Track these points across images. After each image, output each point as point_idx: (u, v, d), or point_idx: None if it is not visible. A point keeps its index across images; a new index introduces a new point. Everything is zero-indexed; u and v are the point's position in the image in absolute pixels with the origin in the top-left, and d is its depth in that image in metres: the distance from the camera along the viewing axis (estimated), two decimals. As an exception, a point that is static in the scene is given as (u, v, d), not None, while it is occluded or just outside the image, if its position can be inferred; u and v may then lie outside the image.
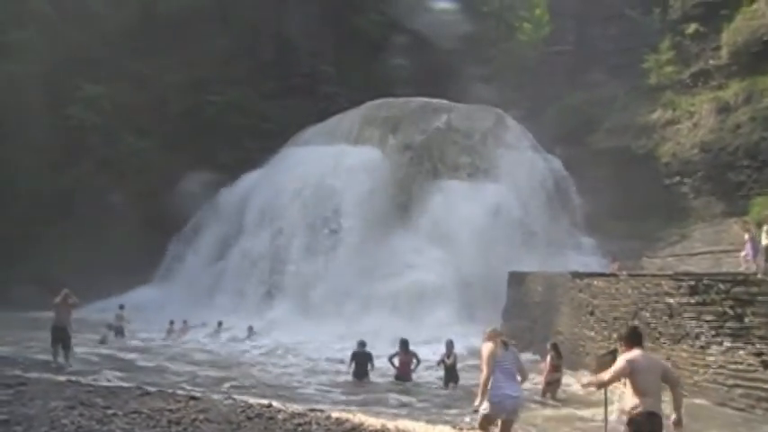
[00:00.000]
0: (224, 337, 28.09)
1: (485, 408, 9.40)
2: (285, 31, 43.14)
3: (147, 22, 41.67)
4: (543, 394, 16.77)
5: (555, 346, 17.72)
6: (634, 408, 7.92)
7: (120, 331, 28.09)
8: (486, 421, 9.57)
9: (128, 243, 35.27)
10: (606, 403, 10.21)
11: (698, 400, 14.86)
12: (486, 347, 9.55)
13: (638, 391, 7.95)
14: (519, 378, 9.76)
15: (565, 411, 15.09)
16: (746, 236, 25.22)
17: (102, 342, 25.72)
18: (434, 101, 39.06)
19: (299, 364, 22.13)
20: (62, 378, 14.59)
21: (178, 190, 36.49)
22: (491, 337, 9.73)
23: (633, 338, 8.42)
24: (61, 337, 18.77)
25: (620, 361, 8.19)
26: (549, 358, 17.39)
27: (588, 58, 38.20)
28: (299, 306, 32.12)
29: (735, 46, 33.29)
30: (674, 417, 8.05)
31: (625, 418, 8.12)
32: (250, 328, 28.28)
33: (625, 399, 8.23)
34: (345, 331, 25.86)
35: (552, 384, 16.99)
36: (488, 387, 9.35)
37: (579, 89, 38.08)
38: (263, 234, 35.54)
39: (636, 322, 9.25)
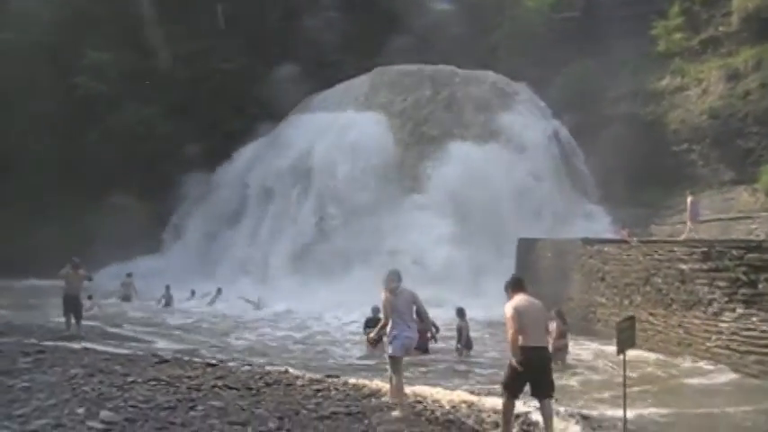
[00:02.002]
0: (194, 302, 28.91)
1: (389, 350, 10.56)
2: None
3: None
4: (554, 360, 16.72)
5: (560, 313, 17.42)
6: (522, 343, 9.01)
7: (126, 298, 28.71)
8: (393, 361, 10.57)
9: (132, 212, 35.26)
10: (625, 368, 10.27)
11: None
12: (383, 296, 10.59)
13: (523, 329, 9.04)
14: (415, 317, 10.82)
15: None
16: (689, 199, 25.55)
17: (126, 299, 28.52)
18: (442, 67, 38.84)
19: (305, 331, 22.33)
20: (78, 346, 14.67)
21: (184, 158, 36.48)
22: (387, 284, 10.60)
23: (516, 286, 9.62)
24: (73, 306, 18.87)
25: (508, 308, 9.29)
26: (555, 325, 17.18)
27: (596, 25, 37.69)
28: (303, 275, 32.25)
29: (745, 12, 32.91)
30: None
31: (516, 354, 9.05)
32: (218, 290, 28.67)
33: (510, 337, 9.19)
34: (352, 298, 25.61)
35: (561, 351, 16.95)
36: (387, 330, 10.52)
37: (587, 56, 37.70)
38: (266, 203, 35.55)
39: (518, 275, 10.12)
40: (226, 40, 40.48)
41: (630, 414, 10.28)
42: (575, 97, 36.31)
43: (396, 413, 9.94)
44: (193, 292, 29.85)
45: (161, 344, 18.22)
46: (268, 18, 43.18)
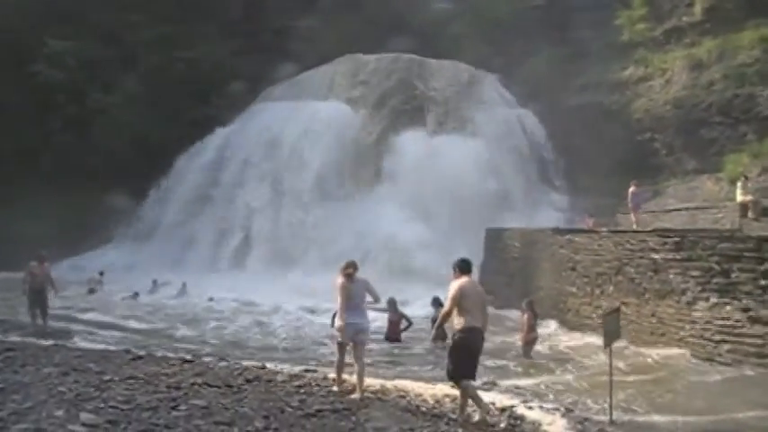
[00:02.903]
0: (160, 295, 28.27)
1: (337, 335, 10.97)
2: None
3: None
4: (526, 355, 16.67)
5: (530, 305, 17.33)
6: (461, 323, 9.57)
7: (92, 291, 28.38)
8: (340, 345, 10.98)
9: (95, 202, 34.63)
10: (611, 360, 10.24)
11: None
12: (338, 281, 10.93)
13: (464, 310, 9.59)
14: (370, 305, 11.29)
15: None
16: (630, 189, 25.95)
17: (92, 292, 27.95)
18: (406, 56, 38.68)
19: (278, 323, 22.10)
20: (47, 342, 14.29)
21: (147, 148, 35.90)
22: (342, 270, 11.00)
23: (464, 268, 10.03)
24: (39, 301, 18.46)
25: (454, 286, 9.78)
26: (526, 317, 17.06)
27: (561, 14, 37.92)
28: (270, 264, 32.04)
29: (708, 3, 33.13)
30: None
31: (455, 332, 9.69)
32: (183, 285, 28.32)
33: (453, 318, 9.77)
34: (317, 290, 25.35)
35: (531, 343, 16.89)
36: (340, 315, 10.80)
37: (553, 45, 37.86)
38: (233, 192, 35.15)
39: (466, 256, 10.29)
40: (189, 28, 39.80)
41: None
42: (540, 86, 36.44)
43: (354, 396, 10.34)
44: (155, 282, 29.41)
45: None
46: (232, 7, 42.63)
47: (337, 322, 10.88)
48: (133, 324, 20.92)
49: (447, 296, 9.91)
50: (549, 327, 19.80)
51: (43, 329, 17.75)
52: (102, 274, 29.83)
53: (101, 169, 35.47)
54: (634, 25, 36.10)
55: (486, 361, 15.87)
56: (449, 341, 10.12)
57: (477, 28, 41.39)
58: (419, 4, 43.99)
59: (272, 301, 25.76)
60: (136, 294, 27.56)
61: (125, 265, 33.29)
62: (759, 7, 30.67)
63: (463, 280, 9.87)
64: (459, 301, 9.63)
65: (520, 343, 16.99)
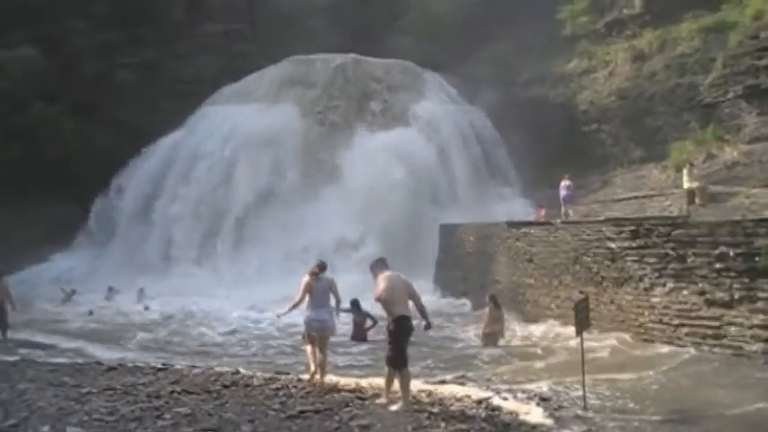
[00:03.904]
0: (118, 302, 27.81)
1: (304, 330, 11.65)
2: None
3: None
4: (484, 345, 17.20)
5: (493, 298, 18.09)
6: (393, 314, 10.14)
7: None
8: (308, 338, 11.59)
9: (43, 212, 34.02)
10: (582, 348, 10.50)
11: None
12: (304, 279, 11.50)
13: (392, 301, 10.17)
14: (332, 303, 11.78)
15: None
16: (562, 183, 26.72)
17: (66, 300, 27.65)
18: (350, 56, 38.77)
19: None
20: (13, 358, 14.06)
21: (93, 156, 35.34)
22: (310, 270, 11.59)
23: (381, 265, 10.74)
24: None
25: (380, 279, 10.38)
26: (487, 310, 17.87)
27: (504, 10, 38.38)
28: (220, 270, 32.00)
29: (648, -5, 34.07)
30: (424, 322, 10.45)
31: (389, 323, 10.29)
32: (140, 290, 28.08)
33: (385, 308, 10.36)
34: (270, 295, 25.28)
35: (493, 335, 17.36)
36: (301, 309, 11.54)
37: (497, 41, 38.37)
38: (185, 197, 34.83)
39: (382, 257, 11.35)
40: (131, 33, 39.24)
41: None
42: (486, 81, 36.83)
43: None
44: (111, 289, 28.99)
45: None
46: (173, 10, 42.16)
47: (305, 316, 11.47)
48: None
49: (375, 290, 10.40)
50: (507, 319, 20.06)
51: (4, 344, 17.46)
52: (74, 292, 29.00)
53: (47, 180, 34.71)
54: (576, 19, 36.84)
55: (451, 354, 16.33)
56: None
57: (421, 26, 41.68)
58: (363, 2, 44.04)
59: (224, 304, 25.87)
60: (73, 291, 27.77)
61: (82, 273, 32.69)
62: (696, -1, 31.64)
63: (386, 274, 10.50)
64: (387, 292, 10.22)
65: (479, 333, 17.69)
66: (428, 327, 10.44)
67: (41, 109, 35.95)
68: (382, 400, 10.24)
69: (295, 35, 41.30)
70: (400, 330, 10.11)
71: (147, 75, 38.82)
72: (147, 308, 26.12)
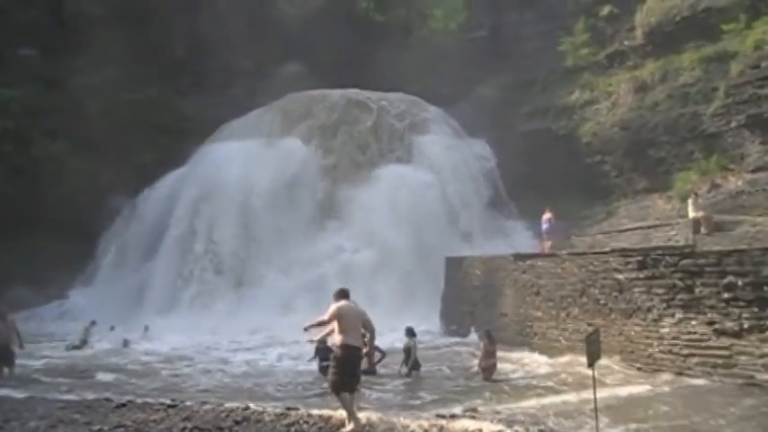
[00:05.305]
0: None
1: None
2: (198, 26, 42.18)
3: (58, 21, 40.21)
4: (484, 378, 17.22)
5: (488, 333, 18.26)
6: (341, 342, 10.64)
7: (84, 343, 27.09)
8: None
9: (47, 251, 34.00)
10: (594, 379, 10.39)
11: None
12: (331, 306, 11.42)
13: (342, 329, 10.72)
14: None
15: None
16: (544, 216, 26.72)
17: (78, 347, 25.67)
18: (353, 91, 38.96)
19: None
20: (23, 395, 13.92)
21: (97, 193, 35.38)
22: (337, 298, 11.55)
23: (341, 294, 11.23)
24: (4, 356, 18.04)
25: (333, 307, 10.93)
26: (482, 345, 18.05)
27: (505, 44, 38.71)
28: (228, 305, 31.84)
29: (648, 26, 34.21)
30: (366, 349, 11.47)
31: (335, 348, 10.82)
32: (145, 327, 27.81)
33: (334, 336, 11.01)
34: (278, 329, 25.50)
35: (488, 369, 17.39)
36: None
37: (499, 74, 38.56)
38: (189, 233, 34.78)
39: (345, 287, 11.70)
40: (133, 70, 39.47)
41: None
42: (488, 115, 36.96)
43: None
44: (113, 329, 28.73)
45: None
46: (176, 47, 42.47)
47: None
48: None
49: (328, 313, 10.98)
50: (516, 352, 19.95)
51: (9, 380, 17.38)
52: (94, 323, 28.46)
53: (52, 217, 34.73)
54: (577, 51, 37.00)
55: (454, 383, 16.24)
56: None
57: (423, 60, 41.94)
58: (364, 39, 44.36)
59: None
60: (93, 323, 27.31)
61: (83, 312, 32.50)
62: (696, 29, 31.75)
63: (342, 303, 11.03)
64: (338, 320, 10.79)
65: (477, 369, 17.69)
66: (370, 370, 11.07)
67: (44, 147, 36.13)
68: (350, 427, 10.42)
69: (297, 71, 41.54)
70: (347, 359, 10.59)
71: (150, 112, 38.98)
72: (126, 344, 25.52)
